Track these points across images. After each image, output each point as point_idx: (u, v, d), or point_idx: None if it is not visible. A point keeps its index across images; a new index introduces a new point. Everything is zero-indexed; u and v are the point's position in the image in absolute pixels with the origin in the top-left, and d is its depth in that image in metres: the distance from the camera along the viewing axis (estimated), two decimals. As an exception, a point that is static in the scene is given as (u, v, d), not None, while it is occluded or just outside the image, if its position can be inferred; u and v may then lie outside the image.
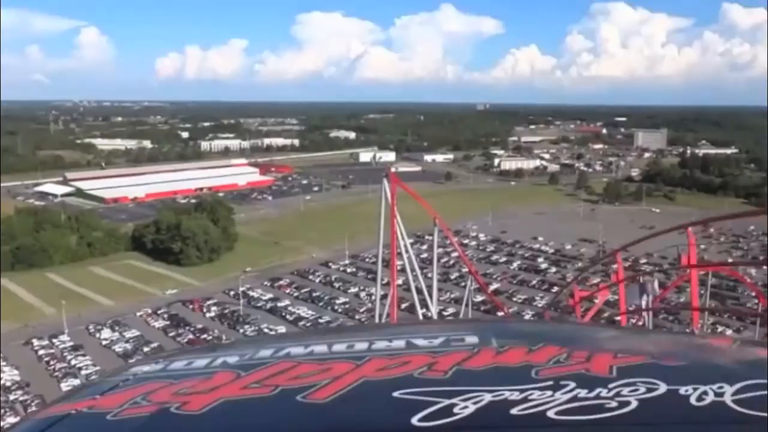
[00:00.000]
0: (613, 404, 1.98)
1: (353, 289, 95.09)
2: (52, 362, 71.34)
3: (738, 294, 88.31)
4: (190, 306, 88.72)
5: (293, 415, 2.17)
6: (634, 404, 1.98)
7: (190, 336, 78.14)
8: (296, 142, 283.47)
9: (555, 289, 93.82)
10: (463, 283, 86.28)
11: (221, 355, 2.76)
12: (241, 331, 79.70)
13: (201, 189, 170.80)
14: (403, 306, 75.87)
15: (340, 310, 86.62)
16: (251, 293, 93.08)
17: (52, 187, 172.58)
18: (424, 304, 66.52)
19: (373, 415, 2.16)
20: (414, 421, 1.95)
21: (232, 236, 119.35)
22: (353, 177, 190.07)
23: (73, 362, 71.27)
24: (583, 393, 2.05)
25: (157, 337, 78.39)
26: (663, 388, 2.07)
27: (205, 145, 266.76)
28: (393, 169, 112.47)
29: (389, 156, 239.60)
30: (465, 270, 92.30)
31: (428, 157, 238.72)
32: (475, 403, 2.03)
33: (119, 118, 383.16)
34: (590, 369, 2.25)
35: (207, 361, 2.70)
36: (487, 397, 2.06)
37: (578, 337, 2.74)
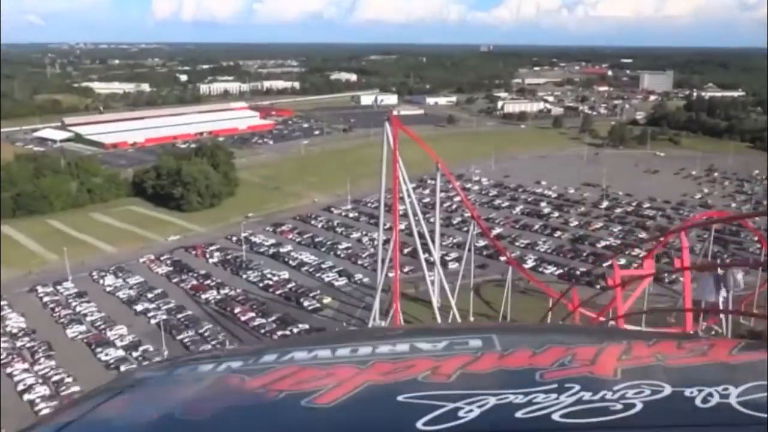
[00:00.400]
0: (619, 407, 1.99)
1: (355, 234, 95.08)
2: (57, 309, 71.91)
3: (741, 238, 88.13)
4: (193, 252, 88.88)
5: (298, 419, 2.18)
6: (639, 407, 1.99)
7: (194, 282, 78.52)
8: (296, 84, 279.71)
9: (557, 234, 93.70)
10: (465, 228, 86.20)
11: (225, 360, 2.80)
12: (244, 276, 79.99)
13: (201, 133, 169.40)
14: (405, 251, 76.20)
15: (342, 256, 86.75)
16: (253, 239, 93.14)
17: (50, 132, 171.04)
18: (426, 249, 66.64)
19: (378, 419, 2.16)
20: (419, 425, 1.97)
21: (233, 181, 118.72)
22: (354, 120, 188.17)
23: (77, 309, 71.81)
24: (588, 395, 2.06)
25: (161, 283, 78.80)
26: (668, 390, 2.08)
27: (204, 88, 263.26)
28: (395, 113, 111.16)
29: (391, 99, 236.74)
30: (467, 215, 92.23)
31: (430, 100, 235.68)
32: (480, 406, 2.05)
33: (116, 61, 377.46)
34: (595, 371, 2.26)
35: (211, 367, 2.75)
36: (492, 401, 2.08)
37: (582, 340, 2.74)
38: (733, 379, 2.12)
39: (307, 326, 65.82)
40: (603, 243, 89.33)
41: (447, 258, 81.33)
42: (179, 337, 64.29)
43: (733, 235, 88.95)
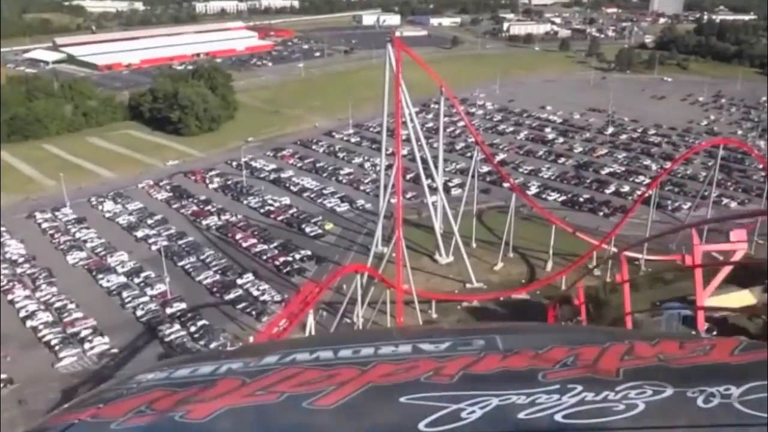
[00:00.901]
0: (621, 407, 2.03)
1: (357, 160, 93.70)
2: (56, 235, 71.49)
3: (746, 166, 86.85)
4: (192, 177, 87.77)
5: (299, 421, 2.20)
6: (641, 407, 2.03)
7: (194, 208, 77.83)
8: (296, 3, 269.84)
9: (561, 160, 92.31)
10: (469, 154, 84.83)
11: (226, 362, 2.79)
12: (245, 202, 79.25)
13: (197, 54, 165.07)
14: (408, 177, 75.10)
15: (344, 181, 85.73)
16: (254, 164, 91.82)
17: (42, 53, 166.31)
18: (429, 175, 65.55)
19: (379, 421, 2.18)
20: (421, 426, 2.00)
21: (232, 105, 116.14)
22: (356, 41, 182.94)
23: (77, 235, 71.41)
24: (590, 396, 2.10)
25: (161, 209, 78.11)
26: (670, 390, 2.12)
27: (200, 6, 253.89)
28: (397, 34, 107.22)
29: (393, 19, 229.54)
30: (471, 140, 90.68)
31: (434, 21, 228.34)
32: (482, 407, 2.08)
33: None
34: (597, 372, 2.30)
35: (212, 368, 2.73)
36: (495, 402, 2.11)
37: (585, 340, 2.68)
38: (734, 379, 2.12)
39: (309, 252, 65.64)
40: (607, 170, 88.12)
41: (450, 184, 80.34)
42: (180, 264, 64.17)
43: (738, 162, 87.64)
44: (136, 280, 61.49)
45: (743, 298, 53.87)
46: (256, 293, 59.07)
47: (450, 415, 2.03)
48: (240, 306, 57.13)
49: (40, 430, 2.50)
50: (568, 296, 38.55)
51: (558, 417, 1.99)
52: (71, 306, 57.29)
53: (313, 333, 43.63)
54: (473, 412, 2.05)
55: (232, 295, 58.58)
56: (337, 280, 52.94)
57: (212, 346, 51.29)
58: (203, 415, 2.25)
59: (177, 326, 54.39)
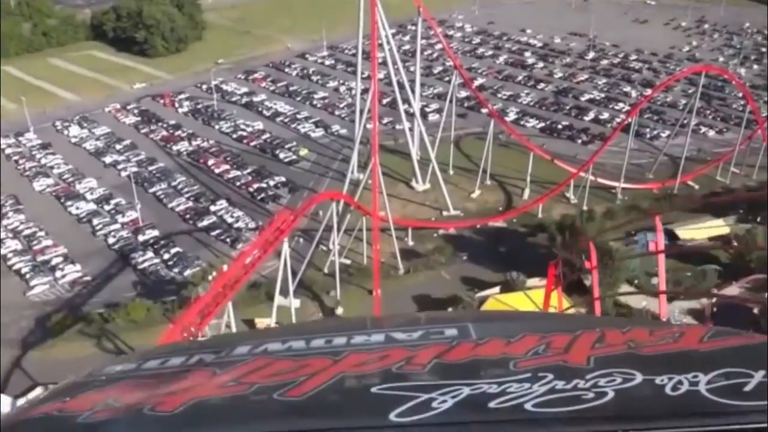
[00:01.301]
0: (591, 395, 2.06)
1: (332, 83, 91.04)
2: (21, 161, 69.11)
3: (725, 95, 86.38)
4: (161, 101, 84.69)
5: (270, 412, 2.21)
6: (610, 395, 2.06)
7: (164, 133, 75.47)
8: None
9: (541, 85, 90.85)
10: (447, 78, 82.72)
11: (197, 353, 2.72)
12: (216, 127, 77.00)
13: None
14: (384, 101, 73.30)
15: (318, 105, 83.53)
16: (225, 87, 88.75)
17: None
18: (406, 100, 63.96)
19: (351, 411, 2.19)
20: (392, 416, 2.02)
21: (200, 24, 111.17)
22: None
23: (43, 161, 69.09)
24: (560, 384, 2.13)
25: (129, 134, 75.66)
26: (639, 378, 2.14)
27: None
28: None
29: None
30: (449, 64, 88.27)
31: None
32: (453, 396, 2.10)
33: None
34: (568, 360, 2.32)
35: (182, 360, 2.67)
36: (466, 391, 2.13)
37: (556, 328, 2.67)
38: (702, 366, 2.15)
39: (283, 179, 64.50)
40: (587, 96, 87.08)
41: (427, 109, 78.80)
42: (151, 190, 62.73)
43: (718, 90, 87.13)
44: (107, 207, 60.12)
45: (717, 227, 54.53)
46: (230, 220, 58.27)
47: (421, 405, 2.04)
48: (214, 233, 56.38)
49: (6, 424, 2.41)
50: (571, 252, 37.92)
51: (528, 406, 2.00)
52: (41, 234, 56.05)
53: (288, 261, 43.42)
54: (444, 401, 2.05)
55: (205, 222, 57.74)
56: (313, 207, 52.27)
57: (186, 273, 50.88)
58: (172, 408, 2.20)
59: (150, 254, 53.67)
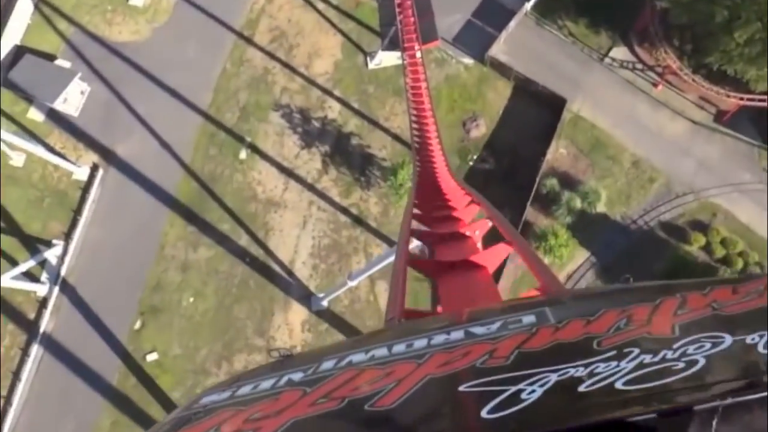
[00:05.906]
0: (681, 365, 1.97)
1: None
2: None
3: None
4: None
5: (363, 425, 2.22)
6: (702, 362, 1.97)
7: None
8: None
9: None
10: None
11: (286, 372, 2.75)
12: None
13: None
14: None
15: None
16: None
17: None
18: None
19: (441, 413, 2.18)
20: (483, 413, 1.96)
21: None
22: None
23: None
24: (648, 358, 2.05)
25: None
26: (728, 340, 2.06)
27: None
28: None
29: None
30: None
31: None
32: (541, 385, 2.03)
33: None
34: (652, 331, 2.25)
35: (272, 382, 2.71)
36: (553, 378, 2.06)
37: (635, 299, 2.56)
38: None
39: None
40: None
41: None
42: None
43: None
44: None
45: None
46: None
47: (510, 398, 1.94)
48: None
49: None
50: None
51: (619, 384, 1.89)
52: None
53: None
54: (534, 391, 1.96)
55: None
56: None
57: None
58: (270, 431, 2.19)
59: None
